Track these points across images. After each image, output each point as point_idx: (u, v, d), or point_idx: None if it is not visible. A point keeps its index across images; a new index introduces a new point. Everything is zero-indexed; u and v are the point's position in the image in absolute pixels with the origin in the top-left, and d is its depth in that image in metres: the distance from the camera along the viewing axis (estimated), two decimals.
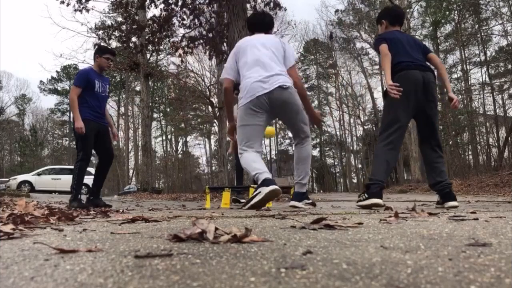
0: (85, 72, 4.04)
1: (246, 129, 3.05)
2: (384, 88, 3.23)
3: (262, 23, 3.43)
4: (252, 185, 3.97)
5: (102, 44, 12.73)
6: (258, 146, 3.10)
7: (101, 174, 4.22)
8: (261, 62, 3.05)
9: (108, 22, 18.93)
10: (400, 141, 3.18)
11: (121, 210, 3.10)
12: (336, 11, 32.77)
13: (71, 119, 4.57)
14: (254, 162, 2.99)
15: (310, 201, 3.32)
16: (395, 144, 3.09)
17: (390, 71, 3.12)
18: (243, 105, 3.03)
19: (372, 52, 32.96)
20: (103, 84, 4.09)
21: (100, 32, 14.17)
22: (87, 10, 11.97)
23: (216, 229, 1.13)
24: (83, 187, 19.73)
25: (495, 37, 25.69)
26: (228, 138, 6.35)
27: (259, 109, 3.00)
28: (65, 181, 18.42)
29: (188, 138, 41.44)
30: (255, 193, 2.85)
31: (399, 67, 3.14)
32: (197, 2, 11.38)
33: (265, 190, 2.75)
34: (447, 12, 24.41)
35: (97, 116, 4.02)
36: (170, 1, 11.16)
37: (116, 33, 13.22)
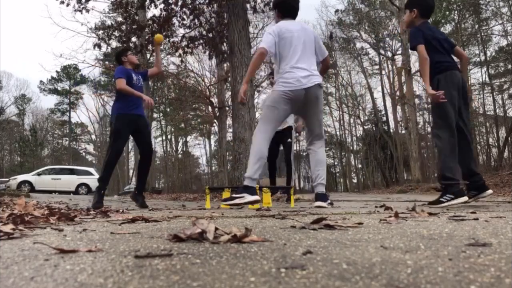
0: (123, 68, 4.21)
1: (275, 111, 3.29)
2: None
3: (294, 10, 3.55)
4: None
5: (104, 49, 12.89)
6: (273, 131, 3.35)
7: (142, 170, 4.25)
8: (303, 58, 3.32)
9: (108, 22, 18.94)
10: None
11: (121, 210, 3.10)
12: (336, 11, 32.74)
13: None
14: (257, 158, 3.24)
15: (329, 201, 3.42)
16: (456, 141, 3.22)
17: (429, 77, 3.21)
18: (282, 90, 3.25)
19: (372, 52, 32.97)
20: (137, 77, 4.25)
21: (100, 32, 14.16)
22: (87, 10, 11.96)
23: (216, 229, 1.13)
24: (83, 186, 19.49)
25: (495, 37, 25.70)
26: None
27: (293, 100, 3.26)
28: (65, 181, 18.42)
29: (188, 138, 41.47)
30: (239, 195, 3.14)
31: (442, 66, 3.21)
32: (197, 2, 11.37)
33: (249, 198, 3.09)
34: (447, 12, 24.42)
35: (135, 110, 4.11)
36: (170, 1, 11.15)
37: (116, 33, 13.20)
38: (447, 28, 26.32)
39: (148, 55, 17.51)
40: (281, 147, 5.71)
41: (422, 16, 3.41)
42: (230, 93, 10.14)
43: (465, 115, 3.32)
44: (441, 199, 3.10)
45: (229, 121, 17.58)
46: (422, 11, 3.41)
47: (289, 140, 5.58)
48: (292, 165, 5.60)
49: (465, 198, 3.05)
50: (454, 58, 3.45)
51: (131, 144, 37.65)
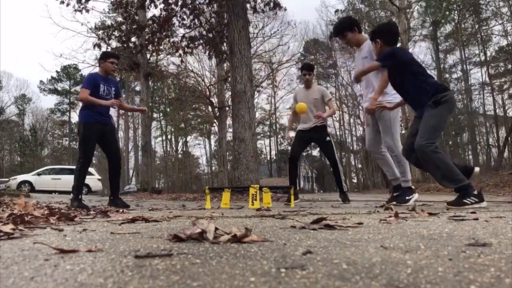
0: (92, 76, 4.25)
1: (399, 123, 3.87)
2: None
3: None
4: (252, 185, 3.97)
5: (104, 49, 12.79)
6: None
7: (112, 175, 4.34)
8: None
9: (108, 22, 18.93)
10: None
11: (121, 210, 3.10)
12: (336, 11, 32.69)
13: (75, 119, 4.67)
14: (407, 163, 3.74)
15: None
16: None
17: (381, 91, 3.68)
18: (399, 111, 3.84)
19: None
20: (108, 87, 4.23)
21: (100, 32, 14.16)
22: (87, 10, 11.97)
23: (216, 229, 1.13)
24: (83, 186, 19.65)
25: (495, 37, 25.71)
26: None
27: None
28: (65, 181, 18.39)
29: (188, 138, 41.45)
30: (411, 196, 3.71)
31: (442, 86, 3.28)
32: (197, 2, 11.38)
33: (416, 196, 3.75)
34: (447, 12, 24.43)
35: (101, 117, 4.16)
36: (170, 1, 11.15)
37: (116, 33, 13.21)
38: (447, 28, 26.34)
39: (148, 55, 17.52)
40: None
41: (387, 44, 3.34)
42: (230, 93, 10.14)
43: None
44: (465, 200, 3.01)
45: (229, 121, 17.59)
46: (386, 41, 3.35)
47: (328, 138, 5.03)
48: (338, 165, 5.07)
49: (486, 204, 3.01)
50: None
51: (131, 144, 37.74)
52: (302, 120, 5.07)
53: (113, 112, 4.38)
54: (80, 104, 4.29)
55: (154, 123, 33.51)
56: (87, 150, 4.07)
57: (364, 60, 3.79)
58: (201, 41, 12.11)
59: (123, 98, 4.54)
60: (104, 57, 4.28)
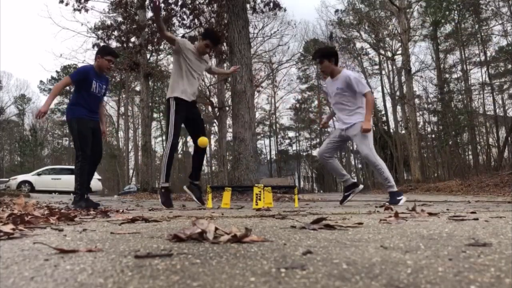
0: (85, 70, 3.99)
1: None
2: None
3: None
4: (256, 185, 3.97)
5: (104, 44, 12.64)
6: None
7: (89, 174, 4.13)
8: None
9: (108, 22, 18.92)
10: None
11: (121, 210, 3.10)
12: (336, 11, 32.68)
13: (66, 118, 4.38)
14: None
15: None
16: None
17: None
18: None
19: (372, 52, 32.99)
20: (100, 84, 4.05)
21: (100, 32, 14.18)
22: (86, 10, 12.00)
23: (216, 229, 1.13)
24: None
25: (495, 37, 25.67)
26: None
27: None
28: (65, 181, 18.39)
29: (188, 138, 41.46)
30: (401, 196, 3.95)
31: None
32: (197, 2, 11.39)
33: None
34: (447, 12, 24.42)
35: (92, 115, 4.04)
36: (170, 1, 11.17)
37: (116, 33, 13.23)
38: (447, 28, 26.33)
39: (148, 55, 17.51)
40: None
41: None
42: (230, 93, 10.15)
43: None
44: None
45: (229, 121, 17.60)
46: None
47: None
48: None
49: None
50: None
51: (131, 144, 37.68)
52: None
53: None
54: (66, 100, 4.19)
55: (154, 123, 33.51)
56: (84, 145, 3.85)
57: (339, 90, 4.05)
58: None
59: (104, 102, 4.39)
60: (102, 52, 4.00)
